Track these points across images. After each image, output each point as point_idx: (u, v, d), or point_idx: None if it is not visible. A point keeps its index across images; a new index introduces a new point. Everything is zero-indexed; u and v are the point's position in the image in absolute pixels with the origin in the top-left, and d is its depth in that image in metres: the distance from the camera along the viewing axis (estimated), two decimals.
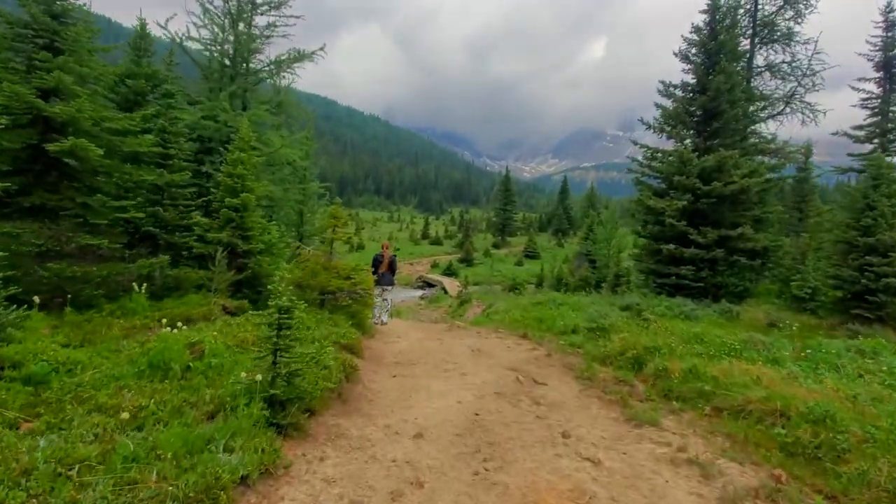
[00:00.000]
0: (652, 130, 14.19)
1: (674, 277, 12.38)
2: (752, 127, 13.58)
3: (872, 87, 16.10)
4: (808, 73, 14.42)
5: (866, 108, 16.35)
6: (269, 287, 3.95)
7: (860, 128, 16.36)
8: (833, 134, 16.26)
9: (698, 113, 12.82)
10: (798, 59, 14.42)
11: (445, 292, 35.16)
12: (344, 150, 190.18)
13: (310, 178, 13.20)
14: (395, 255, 10.51)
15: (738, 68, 13.06)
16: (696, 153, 12.10)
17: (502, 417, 4.68)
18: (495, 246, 63.19)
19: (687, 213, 12.27)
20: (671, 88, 13.67)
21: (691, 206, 12.04)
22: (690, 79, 13.31)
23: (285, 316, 3.70)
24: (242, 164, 8.67)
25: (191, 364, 4.43)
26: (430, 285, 41.88)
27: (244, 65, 10.51)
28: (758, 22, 14.75)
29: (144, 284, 6.72)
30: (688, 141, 13.08)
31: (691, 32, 13.40)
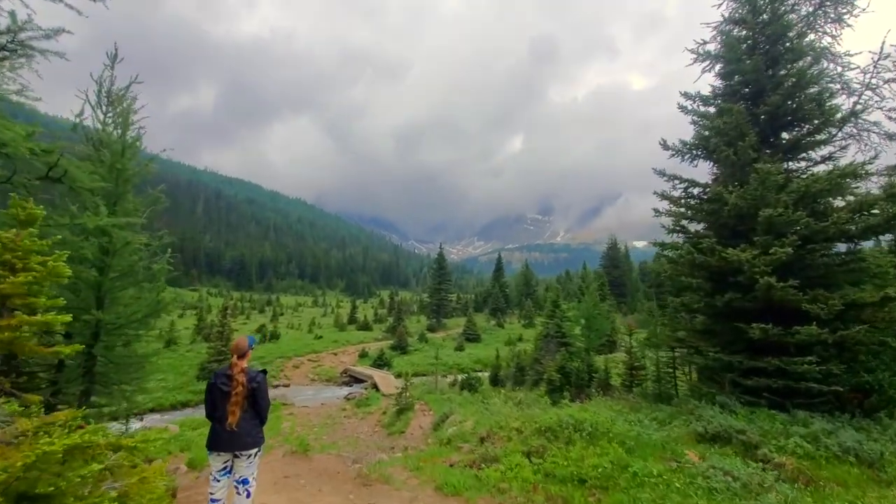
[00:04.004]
0: (681, 158, 9.89)
1: (774, 378, 7.27)
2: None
3: None
4: (870, 85, 11.18)
5: None
6: None
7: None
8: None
9: (759, 121, 8.70)
10: (851, 69, 11.19)
11: (377, 390, 28.08)
12: (266, 234, 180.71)
13: (123, 216, 6.98)
14: (263, 374, 4.27)
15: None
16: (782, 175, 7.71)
17: None
18: (430, 329, 56.89)
19: (779, 270, 7.52)
20: (707, 97, 9.58)
21: (794, 255, 7.32)
22: (734, 82, 9.36)
23: None
24: None
25: None
26: (357, 380, 34.35)
27: None
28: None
29: None
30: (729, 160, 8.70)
31: (722, 23, 9.74)
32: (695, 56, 11.03)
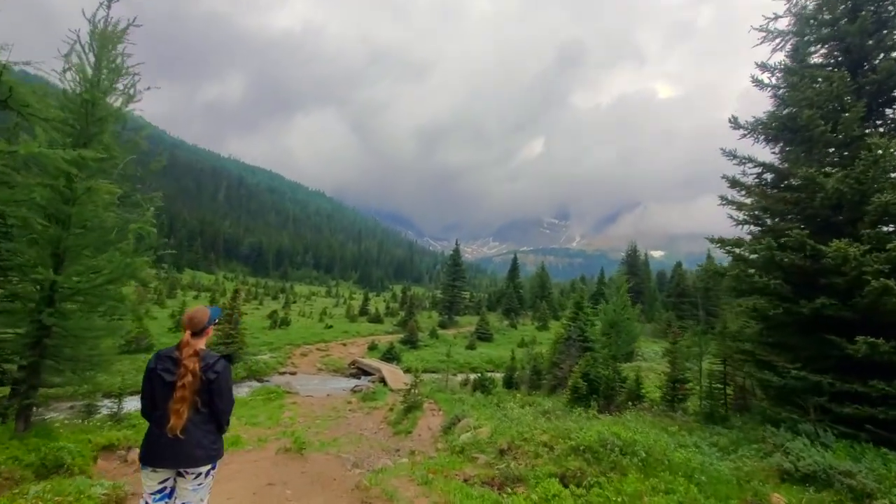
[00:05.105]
0: (754, 138, 8.42)
1: (881, 407, 5.82)
2: None
3: None
4: None
5: None
6: None
7: None
8: None
9: (861, 93, 7.19)
10: None
11: (385, 384, 26.98)
12: (285, 223, 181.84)
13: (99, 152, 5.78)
14: (226, 361, 2.90)
15: None
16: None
17: None
18: (442, 325, 55.63)
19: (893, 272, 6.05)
20: (791, 67, 8.06)
21: None
22: (829, 46, 7.83)
23: None
24: None
25: None
26: (365, 373, 33.32)
27: None
28: None
29: None
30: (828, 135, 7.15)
31: None
32: (763, 35, 9.44)
